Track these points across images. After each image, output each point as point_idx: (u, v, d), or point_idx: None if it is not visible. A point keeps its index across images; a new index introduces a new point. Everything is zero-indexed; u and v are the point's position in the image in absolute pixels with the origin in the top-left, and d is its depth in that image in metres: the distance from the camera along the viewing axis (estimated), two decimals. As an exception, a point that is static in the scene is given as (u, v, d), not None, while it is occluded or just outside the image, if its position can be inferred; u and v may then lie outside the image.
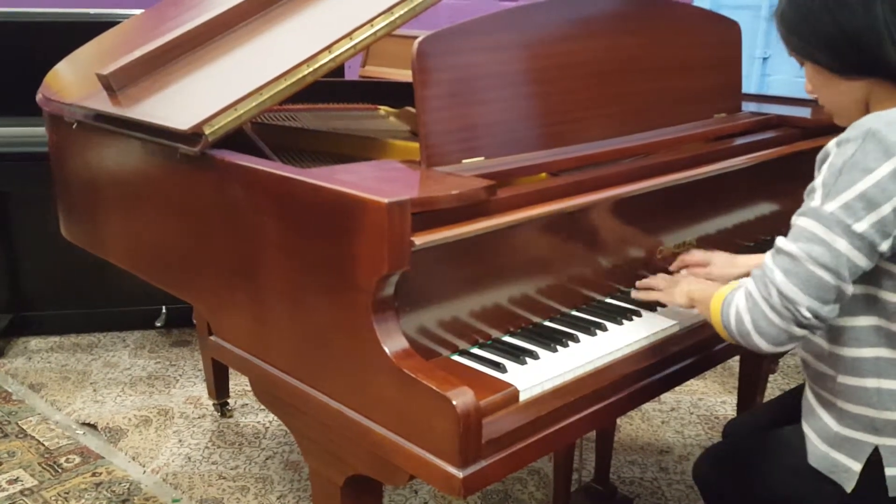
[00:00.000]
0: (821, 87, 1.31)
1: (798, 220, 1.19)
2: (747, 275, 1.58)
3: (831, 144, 1.20)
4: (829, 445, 1.30)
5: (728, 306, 1.25)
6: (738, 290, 1.25)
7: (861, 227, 1.14)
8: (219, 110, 1.41)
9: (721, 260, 1.59)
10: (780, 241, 1.20)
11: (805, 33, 1.26)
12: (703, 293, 1.37)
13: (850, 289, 1.17)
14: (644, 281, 1.55)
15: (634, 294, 1.53)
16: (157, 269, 1.74)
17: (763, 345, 1.20)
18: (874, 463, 1.26)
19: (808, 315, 1.15)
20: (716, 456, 1.54)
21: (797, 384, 1.48)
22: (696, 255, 1.61)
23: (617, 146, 1.61)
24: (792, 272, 1.16)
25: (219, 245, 1.48)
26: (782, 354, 2.47)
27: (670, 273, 1.60)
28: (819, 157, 1.23)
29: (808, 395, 1.36)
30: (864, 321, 1.25)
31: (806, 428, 1.34)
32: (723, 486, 1.49)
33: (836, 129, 1.96)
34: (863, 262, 1.16)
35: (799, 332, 1.18)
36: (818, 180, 1.19)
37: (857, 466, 1.27)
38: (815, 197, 1.18)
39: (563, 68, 1.56)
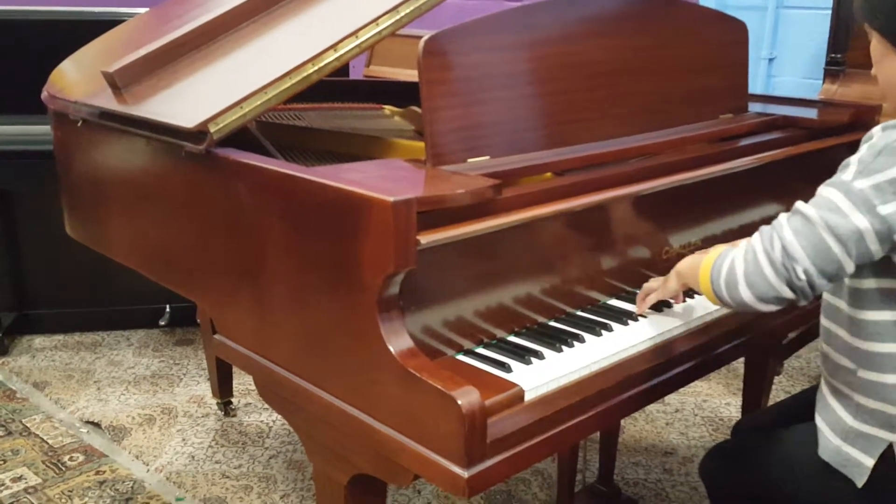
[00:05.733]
0: (879, 61, 1.30)
1: (823, 191, 1.20)
2: None
3: (878, 127, 1.21)
4: (843, 439, 1.29)
5: (723, 259, 1.26)
6: (737, 249, 1.26)
7: (886, 210, 1.14)
8: (224, 108, 1.41)
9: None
10: (799, 203, 1.21)
11: None
12: (692, 261, 1.37)
13: (850, 268, 1.18)
14: (640, 294, 1.50)
15: (640, 310, 1.47)
16: (161, 268, 1.74)
17: (746, 295, 1.21)
18: (887, 459, 1.26)
19: (803, 278, 1.17)
20: (723, 452, 1.54)
21: (802, 387, 1.47)
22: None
23: (622, 146, 1.60)
24: (802, 233, 1.18)
25: (223, 243, 1.47)
26: (777, 342, 2.40)
27: None
28: (864, 138, 1.23)
29: (824, 388, 1.35)
30: (886, 315, 1.24)
31: (819, 421, 1.34)
32: (729, 482, 1.48)
33: (842, 131, 1.97)
34: (874, 245, 1.16)
35: (787, 293, 1.19)
36: (855, 156, 1.19)
37: (870, 462, 1.26)
38: (847, 172, 1.18)
39: (568, 68, 1.56)
